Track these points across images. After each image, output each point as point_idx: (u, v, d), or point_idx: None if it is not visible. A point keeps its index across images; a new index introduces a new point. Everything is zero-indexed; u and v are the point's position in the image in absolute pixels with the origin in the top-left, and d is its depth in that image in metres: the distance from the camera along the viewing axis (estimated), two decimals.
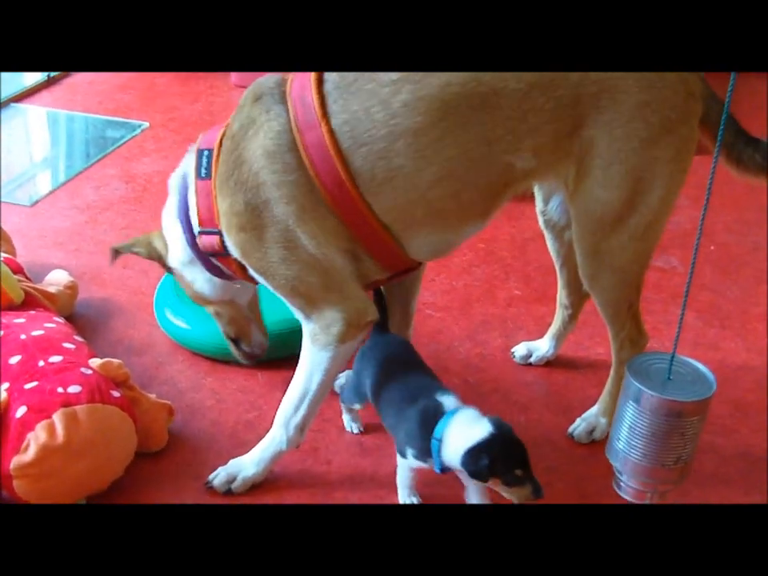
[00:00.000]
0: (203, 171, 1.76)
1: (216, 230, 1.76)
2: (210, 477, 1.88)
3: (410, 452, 1.76)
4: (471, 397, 2.15)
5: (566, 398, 2.22)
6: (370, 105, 1.63)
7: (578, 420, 2.09)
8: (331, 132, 1.64)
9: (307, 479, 1.93)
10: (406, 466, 1.82)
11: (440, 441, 1.68)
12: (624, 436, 1.72)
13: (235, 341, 2.09)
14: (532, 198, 2.11)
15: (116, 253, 1.95)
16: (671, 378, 1.73)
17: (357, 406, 2.01)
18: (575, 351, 2.39)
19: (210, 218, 1.76)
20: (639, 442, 1.70)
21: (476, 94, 1.61)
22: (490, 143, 1.66)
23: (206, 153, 1.77)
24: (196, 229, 1.81)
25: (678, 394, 1.68)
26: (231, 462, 1.89)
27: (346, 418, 2.09)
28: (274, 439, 1.88)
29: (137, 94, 4.00)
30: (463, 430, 1.67)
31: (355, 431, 2.07)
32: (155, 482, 1.90)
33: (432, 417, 1.71)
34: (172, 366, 2.26)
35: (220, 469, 1.88)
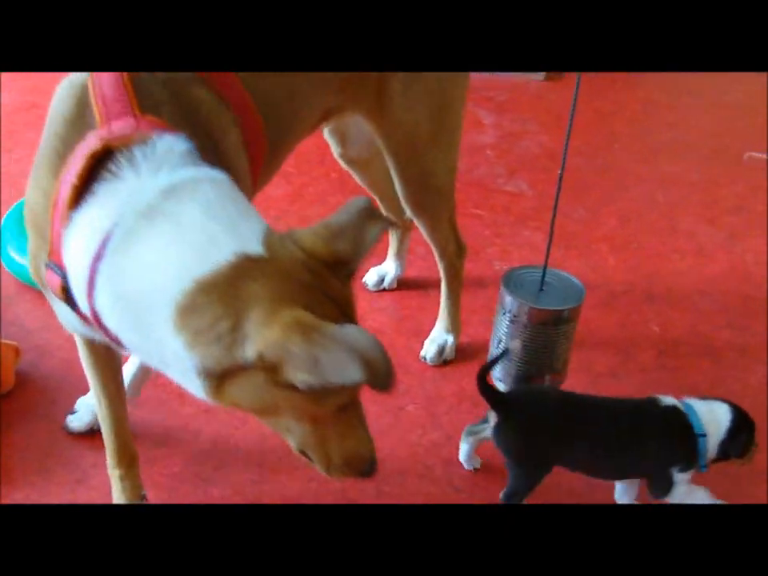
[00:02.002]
0: None
1: None
2: (68, 420, 1.85)
3: (676, 470, 1.66)
4: None
5: (417, 320, 2.27)
6: None
7: (427, 343, 2.14)
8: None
9: (164, 411, 1.93)
10: (683, 492, 1.67)
11: (705, 436, 1.64)
12: (504, 347, 1.79)
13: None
14: None
15: None
16: (543, 289, 1.80)
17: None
18: (426, 273, 2.43)
19: None
20: (519, 351, 1.77)
21: None
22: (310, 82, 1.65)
23: None
24: None
25: (553, 303, 1.75)
26: (82, 400, 1.87)
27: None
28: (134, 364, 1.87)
29: None
30: (710, 419, 1.65)
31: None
32: (4, 424, 1.86)
33: (681, 420, 1.66)
34: (19, 306, 2.20)
35: (80, 410, 1.86)
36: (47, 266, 1.22)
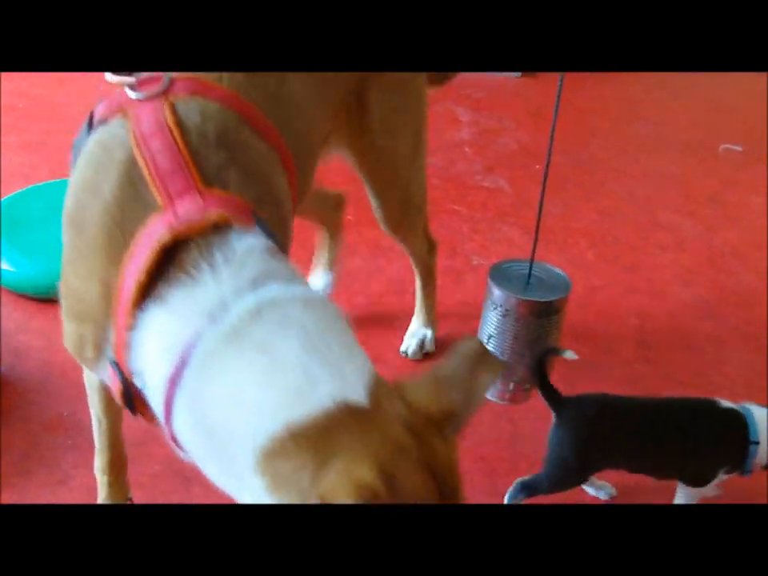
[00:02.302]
0: None
1: None
2: None
3: (720, 471, 1.68)
4: None
5: (396, 316, 2.27)
6: None
7: (407, 338, 2.16)
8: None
9: None
10: (699, 493, 1.73)
11: (758, 443, 1.65)
12: (494, 341, 1.80)
13: None
14: None
15: None
16: (530, 282, 1.82)
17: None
18: (404, 270, 2.44)
19: None
20: (510, 344, 1.78)
21: None
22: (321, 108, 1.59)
23: None
24: None
25: (543, 295, 1.77)
26: None
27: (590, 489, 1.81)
28: None
29: None
30: (765, 426, 1.66)
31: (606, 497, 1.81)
32: None
33: (740, 424, 1.67)
34: None
35: None
36: (109, 362, 1.13)
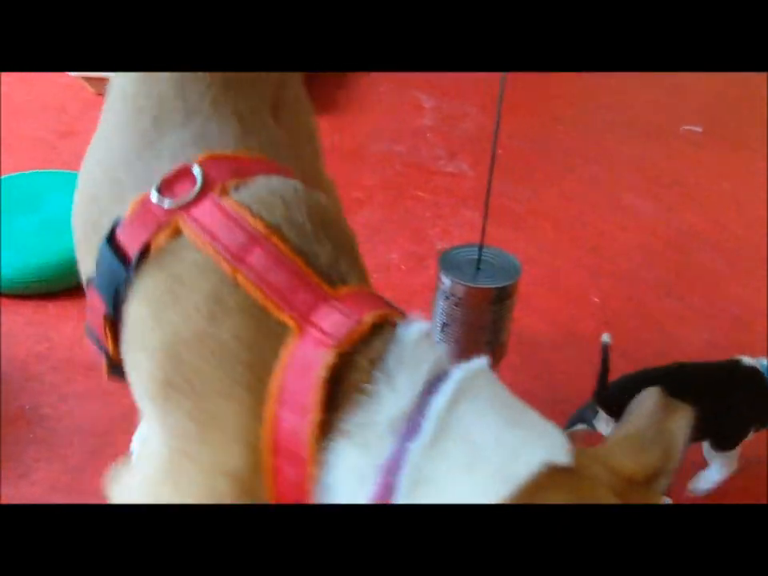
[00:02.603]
0: None
1: None
2: None
3: (751, 429, 1.72)
4: None
5: None
6: None
7: None
8: None
9: (106, 402, 1.92)
10: (731, 459, 1.75)
11: None
12: (448, 330, 1.80)
13: None
14: None
15: None
16: (480, 267, 1.82)
17: None
18: (369, 260, 2.44)
19: None
20: (465, 332, 1.78)
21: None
22: None
23: None
24: None
25: (490, 281, 1.77)
26: None
27: None
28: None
29: None
30: None
31: None
32: None
33: (761, 379, 1.69)
34: None
35: None
36: None
